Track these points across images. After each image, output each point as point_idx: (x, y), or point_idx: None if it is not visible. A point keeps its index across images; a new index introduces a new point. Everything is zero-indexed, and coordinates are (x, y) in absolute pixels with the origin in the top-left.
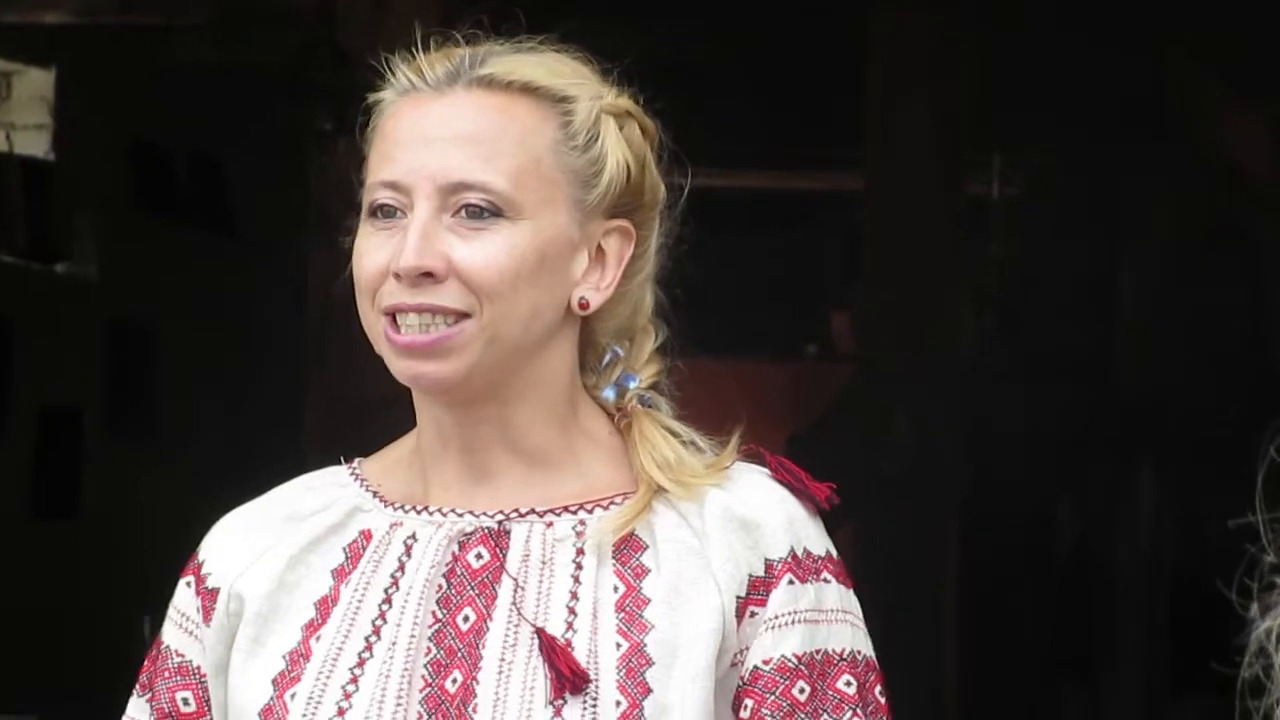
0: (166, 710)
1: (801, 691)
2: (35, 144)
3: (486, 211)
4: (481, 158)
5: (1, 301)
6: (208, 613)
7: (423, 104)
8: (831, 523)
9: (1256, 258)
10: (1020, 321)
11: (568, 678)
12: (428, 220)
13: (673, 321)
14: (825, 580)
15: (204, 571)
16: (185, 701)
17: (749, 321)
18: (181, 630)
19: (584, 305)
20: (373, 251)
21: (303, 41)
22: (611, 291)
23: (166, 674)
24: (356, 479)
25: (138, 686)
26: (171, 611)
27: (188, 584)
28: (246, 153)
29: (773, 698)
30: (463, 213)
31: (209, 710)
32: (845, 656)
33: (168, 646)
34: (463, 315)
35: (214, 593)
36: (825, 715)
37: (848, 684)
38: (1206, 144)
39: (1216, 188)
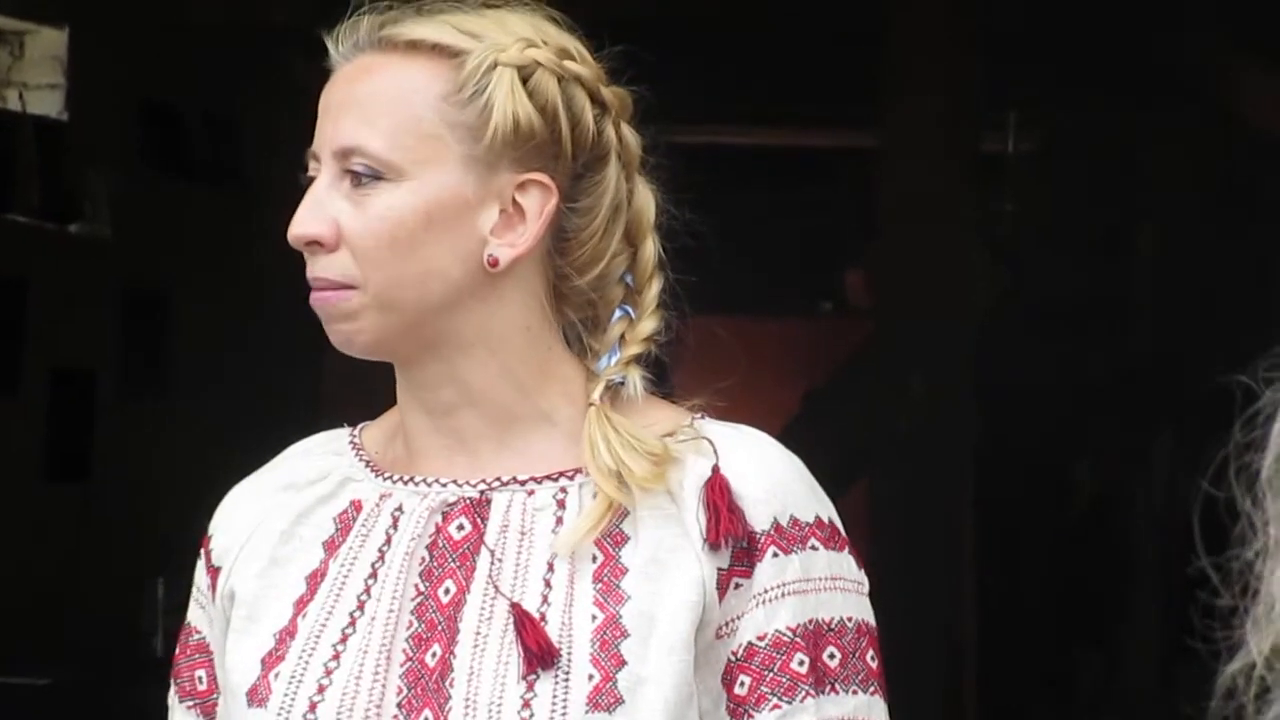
0: (189, 689)
1: (801, 664)
2: (48, 104)
3: (366, 176)
4: (363, 121)
5: (16, 261)
6: (213, 589)
7: (335, 74)
8: (846, 480)
9: (1275, 216)
10: (1036, 278)
11: (536, 654)
12: (322, 189)
13: (673, 276)
14: (813, 548)
15: (211, 546)
16: (200, 680)
17: (764, 279)
18: (197, 605)
19: (493, 263)
20: None
21: None
22: (527, 247)
23: (188, 651)
24: (353, 447)
25: (172, 666)
26: (193, 588)
27: (201, 559)
28: (261, 111)
29: (772, 674)
30: (352, 178)
31: (216, 688)
32: (833, 626)
33: (189, 623)
34: (349, 286)
35: (217, 570)
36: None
37: (831, 656)
38: (1225, 103)
39: (1234, 146)
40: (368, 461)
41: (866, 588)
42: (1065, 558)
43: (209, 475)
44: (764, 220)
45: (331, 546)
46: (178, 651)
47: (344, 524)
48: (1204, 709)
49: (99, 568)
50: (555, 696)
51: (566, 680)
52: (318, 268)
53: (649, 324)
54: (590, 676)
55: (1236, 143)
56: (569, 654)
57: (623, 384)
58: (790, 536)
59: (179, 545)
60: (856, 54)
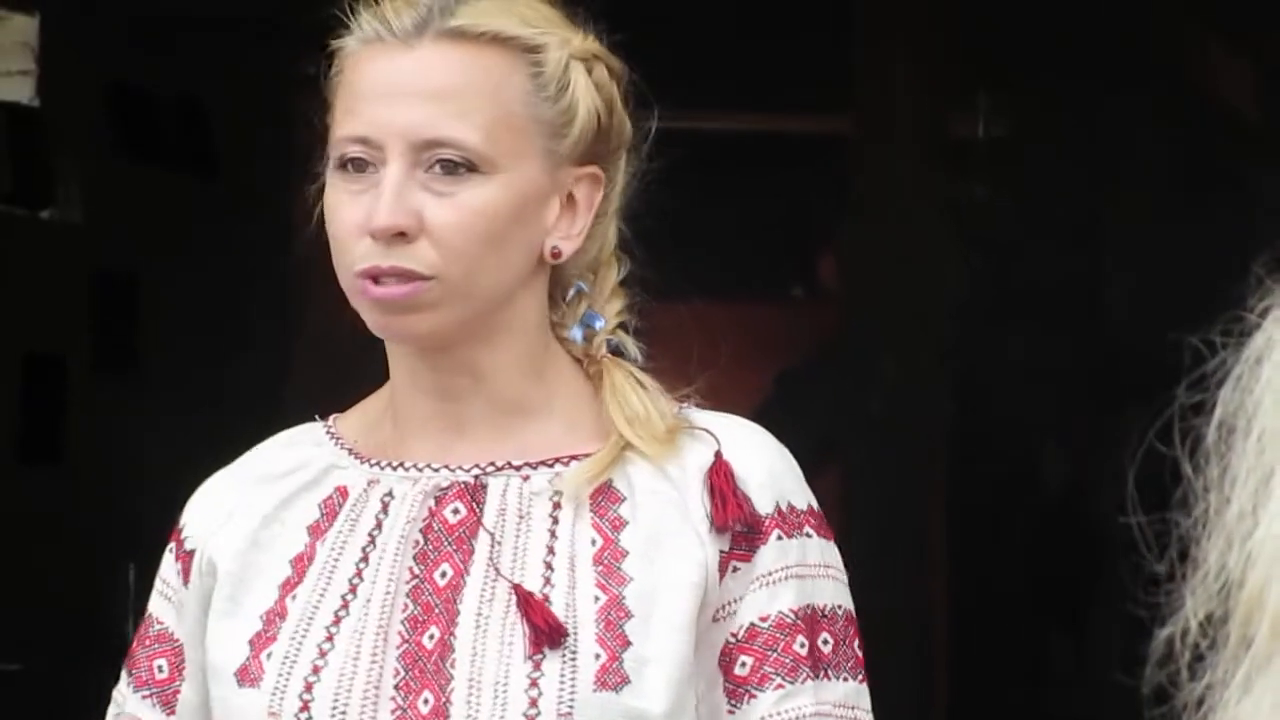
0: (145, 679)
1: (802, 646)
2: (19, 90)
3: (461, 167)
4: (454, 114)
5: None
6: (186, 575)
7: (390, 55)
8: (820, 463)
9: (1248, 197)
10: (1007, 262)
11: (544, 631)
12: (400, 178)
13: (643, 260)
14: (808, 535)
15: (183, 535)
16: (160, 669)
17: (735, 263)
18: (162, 597)
19: (556, 254)
20: (345, 207)
21: None
22: (583, 239)
23: (147, 641)
24: (331, 437)
25: (126, 658)
26: (157, 580)
27: (170, 550)
28: (231, 98)
29: (775, 655)
30: (437, 168)
31: (180, 676)
32: (826, 613)
33: (150, 614)
34: (427, 277)
35: (190, 554)
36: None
37: (825, 642)
38: (1196, 83)
39: (1207, 127)
40: (349, 449)
41: (846, 579)
42: (1038, 542)
43: (179, 461)
44: (736, 205)
45: (317, 531)
46: (134, 644)
47: (329, 509)
48: (1139, 675)
49: (70, 553)
50: (564, 675)
51: (574, 659)
52: (397, 258)
53: (615, 302)
54: (597, 656)
55: (1212, 123)
56: (575, 634)
57: (617, 348)
58: (790, 521)
59: (151, 531)
60: (828, 38)
